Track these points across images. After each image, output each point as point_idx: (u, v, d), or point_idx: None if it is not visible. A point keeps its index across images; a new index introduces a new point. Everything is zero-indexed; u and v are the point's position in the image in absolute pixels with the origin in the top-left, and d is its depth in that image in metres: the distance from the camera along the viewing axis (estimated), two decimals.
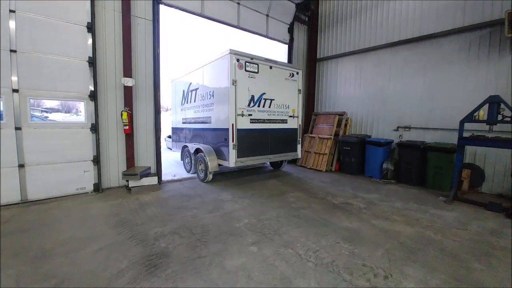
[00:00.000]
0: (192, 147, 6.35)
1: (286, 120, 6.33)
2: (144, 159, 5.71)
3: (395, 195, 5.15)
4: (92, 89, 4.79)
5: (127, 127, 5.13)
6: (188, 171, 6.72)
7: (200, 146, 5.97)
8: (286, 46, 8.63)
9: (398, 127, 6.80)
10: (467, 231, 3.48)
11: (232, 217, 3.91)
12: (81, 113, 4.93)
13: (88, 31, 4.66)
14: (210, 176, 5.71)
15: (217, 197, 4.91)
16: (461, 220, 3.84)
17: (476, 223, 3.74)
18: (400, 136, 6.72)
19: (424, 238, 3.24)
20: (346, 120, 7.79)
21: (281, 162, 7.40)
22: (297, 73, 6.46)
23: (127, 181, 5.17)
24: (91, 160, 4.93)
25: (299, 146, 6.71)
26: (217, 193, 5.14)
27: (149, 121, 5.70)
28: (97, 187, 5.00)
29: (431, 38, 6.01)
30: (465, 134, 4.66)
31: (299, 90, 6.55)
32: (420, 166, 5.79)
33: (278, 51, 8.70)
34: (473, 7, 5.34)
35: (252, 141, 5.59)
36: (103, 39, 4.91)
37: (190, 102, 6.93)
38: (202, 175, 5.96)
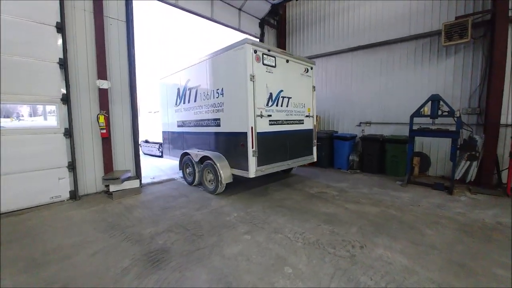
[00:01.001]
0: (196, 154, 5.42)
1: (303, 120, 5.67)
2: (122, 163, 5.59)
3: (361, 182, 5.86)
4: (65, 92, 4.58)
5: (104, 131, 4.99)
6: (191, 183, 5.76)
7: (208, 153, 5.10)
8: (257, 40, 8.99)
9: (360, 123, 7.63)
10: (419, 207, 4.22)
11: (221, 212, 4.14)
12: (53, 115, 4.68)
13: (57, 32, 4.44)
14: (222, 187, 4.88)
15: (202, 195, 5.08)
16: (414, 199, 4.60)
17: (425, 200, 4.52)
18: (362, 130, 7.56)
19: (387, 215, 3.87)
20: (316, 118, 8.45)
21: None
22: (311, 68, 5.84)
23: (107, 186, 5.04)
24: (66, 167, 4.70)
25: (315, 149, 6.10)
26: (201, 192, 5.29)
27: (126, 124, 5.59)
28: (74, 195, 4.79)
29: (386, 44, 6.90)
30: (414, 127, 5.52)
31: (313, 87, 5.94)
32: (380, 156, 6.64)
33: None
34: (417, 19, 6.28)
35: (271, 146, 4.83)
36: (73, 40, 4.70)
37: (189, 102, 5.91)
38: (211, 186, 5.09)
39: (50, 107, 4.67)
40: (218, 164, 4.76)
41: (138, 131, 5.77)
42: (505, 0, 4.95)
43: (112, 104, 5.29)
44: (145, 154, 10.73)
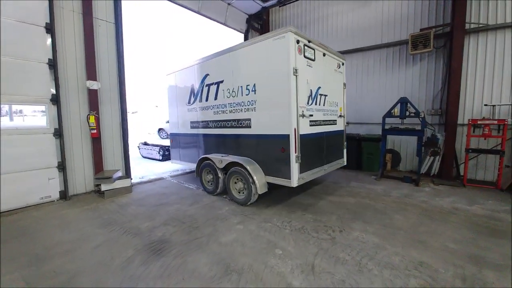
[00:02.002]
0: (220, 160, 4.72)
1: (336, 121, 5.21)
2: (112, 162, 5.66)
3: (341, 177, 6.39)
4: (54, 92, 4.61)
5: (94, 131, 5.06)
6: (212, 192, 5.06)
7: (237, 159, 4.44)
8: (242, 35, 9.31)
9: None
10: (390, 197, 4.77)
11: (213, 206, 4.41)
12: (36, 115, 4.67)
13: (47, 32, 4.47)
14: (255, 198, 4.26)
15: (193, 192, 5.31)
16: (386, 190, 5.17)
17: (396, 191, 5.10)
18: None
19: (363, 204, 4.37)
20: None
21: None
22: (343, 64, 5.44)
23: (97, 185, 5.11)
24: (56, 167, 4.73)
25: (345, 151, 5.67)
26: (191, 190, 5.52)
27: (115, 124, 5.67)
28: (64, 195, 4.82)
29: (361, 51, 7.51)
30: (386, 127, 6.13)
31: (344, 85, 5.51)
32: (357, 153, 7.23)
33: (234, 41, 9.33)
34: (388, 29, 6.94)
35: (311, 150, 4.32)
36: (62, 40, 4.74)
37: (206, 100, 5.19)
38: (241, 197, 4.45)
39: (36, 108, 4.66)
40: (252, 172, 4.12)
41: (127, 131, 5.86)
42: (462, 15, 5.68)
43: (101, 104, 5.35)
44: (143, 157, 10.09)
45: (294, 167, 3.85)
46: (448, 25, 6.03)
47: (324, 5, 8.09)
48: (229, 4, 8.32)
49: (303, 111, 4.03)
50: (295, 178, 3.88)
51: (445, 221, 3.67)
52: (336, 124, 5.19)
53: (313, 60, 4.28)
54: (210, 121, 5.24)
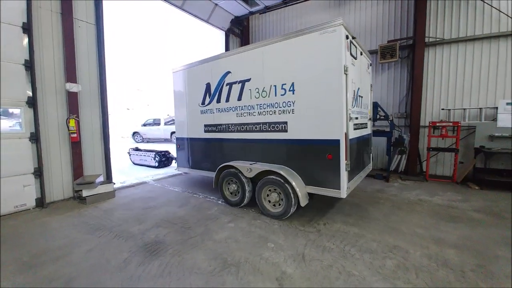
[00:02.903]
0: (248, 168, 4.19)
1: (367, 124, 4.88)
2: (92, 167, 5.48)
3: None
4: (31, 94, 4.40)
5: (75, 135, 4.89)
6: (237, 204, 4.46)
7: (272, 167, 3.97)
8: (223, 33, 9.42)
9: None
10: (365, 192, 5.25)
11: (202, 207, 4.52)
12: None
13: (24, 32, 4.27)
14: (293, 210, 3.78)
15: (179, 195, 5.34)
16: (361, 187, 5.66)
17: (370, 187, 5.61)
18: None
19: (341, 199, 4.77)
20: None
21: None
22: (371, 65, 5.21)
23: (77, 191, 4.92)
24: (32, 173, 4.49)
25: (371, 155, 5.39)
26: (177, 193, 5.54)
27: (95, 128, 5.50)
28: (41, 202, 4.59)
29: None
30: None
31: (371, 86, 5.25)
32: None
33: (215, 41, 9.49)
34: (361, 39, 7.58)
35: (354, 156, 3.93)
36: (39, 41, 4.54)
37: (227, 100, 4.67)
38: (276, 210, 3.92)
39: (11, 111, 4.40)
40: (292, 182, 3.68)
41: (108, 134, 5.72)
42: (422, 30, 6.43)
43: (81, 108, 5.18)
44: (135, 164, 9.24)
45: (344, 175, 3.43)
46: (411, 38, 6.78)
47: (303, 14, 8.57)
48: (216, 4, 8.42)
49: (350, 114, 3.64)
50: (345, 188, 3.46)
51: (412, 211, 4.17)
52: (367, 127, 4.88)
53: (356, 58, 3.93)
54: (231, 124, 4.70)
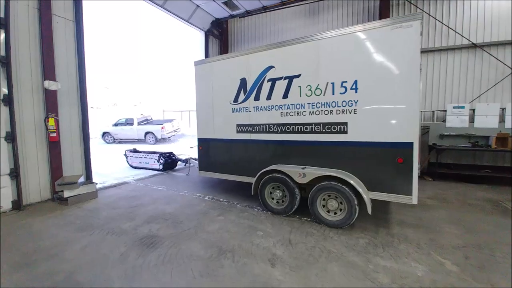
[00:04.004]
0: (300, 173, 3.81)
1: None
2: (71, 168, 5.32)
3: None
4: (6, 92, 4.21)
5: (54, 134, 4.75)
6: (283, 213, 4.05)
7: (332, 172, 3.64)
8: (203, 33, 9.51)
9: None
10: None
11: (190, 204, 4.70)
12: None
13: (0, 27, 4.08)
14: (355, 218, 3.47)
15: (165, 194, 5.43)
16: None
17: None
18: None
19: None
20: None
21: None
22: None
23: (58, 192, 4.79)
24: (8, 174, 4.30)
25: None
26: (162, 191, 5.62)
27: (75, 127, 5.36)
28: (18, 205, 4.40)
29: None
30: None
31: None
32: None
33: (194, 40, 9.56)
34: None
35: None
36: (15, 36, 4.35)
37: (269, 98, 4.31)
38: (336, 218, 3.60)
39: None
40: (359, 188, 3.41)
41: (88, 134, 5.59)
42: None
43: (60, 106, 5.03)
44: (134, 167, 8.39)
45: (416, 180, 3.23)
46: None
47: (280, 20, 9.03)
48: (198, 6, 8.50)
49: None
50: (416, 194, 3.24)
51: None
52: None
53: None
54: (273, 124, 4.34)
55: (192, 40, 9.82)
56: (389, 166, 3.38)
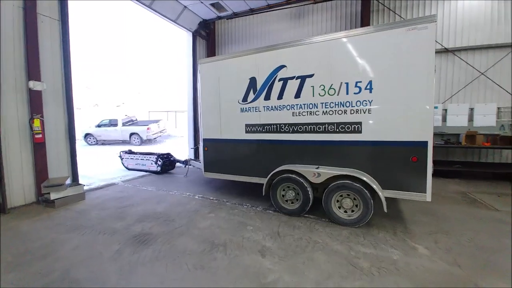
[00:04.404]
0: (315, 173, 3.83)
1: None
2: (57, 170, 5.24)
3: None
4: None
5: (40, 136, 4.68)
6: (296, 213, 4.03)
7: (346, 171, 3.70)
8: (191, 34, 9.50)
9: None
10: None
11: (180, 203, 4.79)
12: None
13: None
14: (370, 216, 3.55)
15: (154, 194, 5.47)
16: None
17: None
18: None
19: None
20: None
21: None
22: None
23: (44, 195, 4.71)
24: None
25: None
26: (151, 192, 5.65)
27: (60, 128, 5.28)
28: (2, 208, 4.30)
29: None
30: None
31: None
32: None
33: (181, 41, 9.52)
34: None
35: None
36: None
37: (280, 97, 4.28)
38: (351, 217, 3.66)
39: None
40: (375, 187, 3.49)
41: (75, 135, 5.53)
42: None
43: (44, 107, 4.94)
44: (129, 169, 8.04)
45: (430, 178, 3.34)
46: None
47: (267, 22, 9.25)
48: (185, 7, 8.51)
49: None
50: (430, 191, 3.35)
51: None
52: None
53: None
54: (284, 124, 4.32)
55: (180, 41, 9.80)
56: (403, 165, 3.47)
